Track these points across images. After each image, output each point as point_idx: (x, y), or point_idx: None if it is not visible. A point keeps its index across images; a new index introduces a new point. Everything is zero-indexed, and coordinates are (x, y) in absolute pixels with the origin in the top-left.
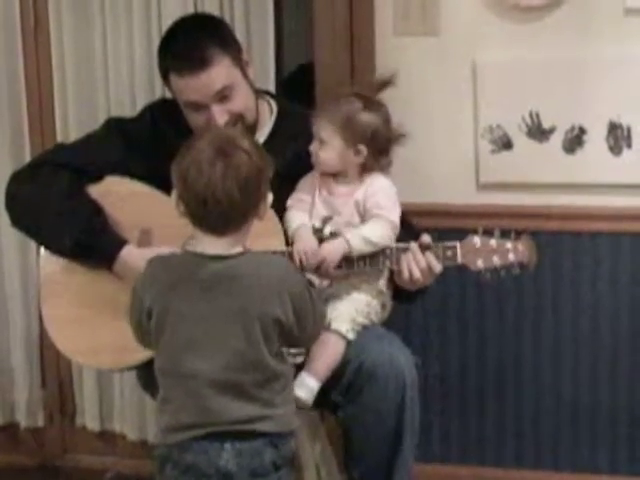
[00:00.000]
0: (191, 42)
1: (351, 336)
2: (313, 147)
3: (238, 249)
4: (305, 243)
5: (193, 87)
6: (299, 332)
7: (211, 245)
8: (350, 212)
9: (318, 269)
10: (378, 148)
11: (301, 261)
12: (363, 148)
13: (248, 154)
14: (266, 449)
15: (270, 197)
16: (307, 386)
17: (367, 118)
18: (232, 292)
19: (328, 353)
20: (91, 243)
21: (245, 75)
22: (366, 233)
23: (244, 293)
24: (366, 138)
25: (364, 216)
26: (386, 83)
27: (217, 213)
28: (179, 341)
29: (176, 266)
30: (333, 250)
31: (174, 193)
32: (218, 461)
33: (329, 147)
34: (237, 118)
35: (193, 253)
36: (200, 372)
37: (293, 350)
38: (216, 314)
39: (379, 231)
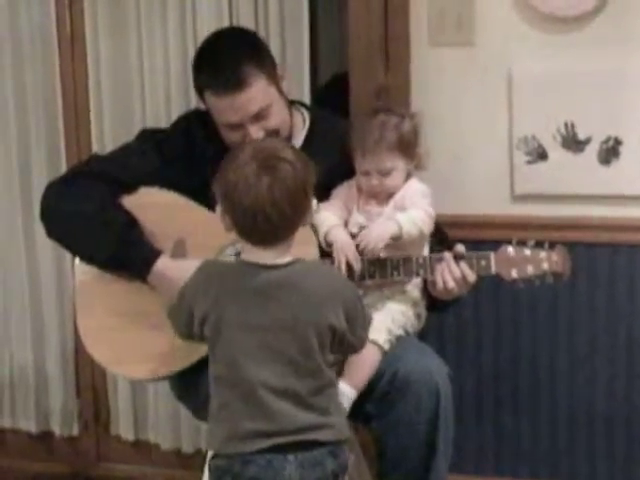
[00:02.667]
0: (227, 61)
1: (387, 347)
2: (374, 182)
3: (288, 258)
4: (345, 244)
5: (230, 108)
6: (352, 336)
7: (261, 255)
8: (389, 213)
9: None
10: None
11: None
12: (419, 150)
13: (292, 165)
14: (327, 458)
15: (315, 204)
16: (345, 395)
17: (408, 125)
18: (286, 301)
19: (365, 363)
20: (126, 255)
21: (280, 91)
22: (411, 214)
23: (298, 302)
24: (416, 142)
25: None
26: None
27: (267, 227)
28: (236, 349)
29: (230, 275)
30: (383, 230)
31: (219, 207)
32: (282, 473)
33: (395, 172)
34: (272, 133)
35: (246, 262)
36: (259, 380)
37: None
38: (271, 323)
39: (420, 216)
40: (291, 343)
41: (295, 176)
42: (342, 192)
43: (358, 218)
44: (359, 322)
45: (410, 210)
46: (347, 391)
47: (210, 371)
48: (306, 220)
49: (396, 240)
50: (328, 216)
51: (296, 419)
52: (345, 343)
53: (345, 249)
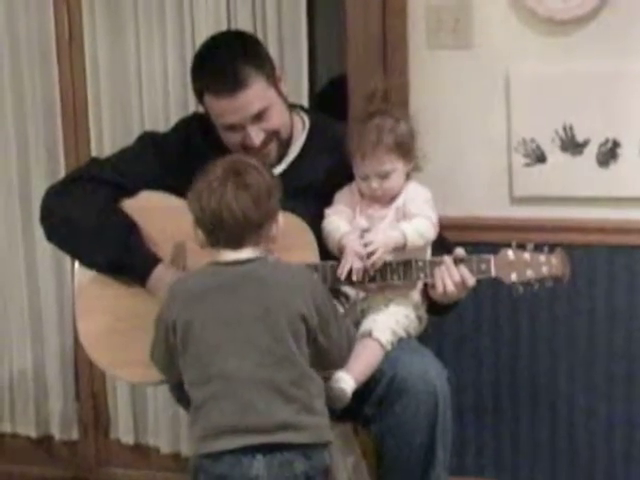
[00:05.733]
0: (226, 63)
1: (389, 348)
2: (373, 185)
3: (256, 254)
4: (354, 250)
5: (229, 110)
6: (325, 338)
7: (229, 255)
8: (390, 220)
9: (360, 282)
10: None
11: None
12: (417, 152)
13: (258, 170)
14: (298, 459)
15: (281, 217)
16: (345, 381)
17: (405, 126)
18: (254, 292)
19: (367, 358)
20: (125, 260)
21: (279, 93)
22: (416, 225)
23: (266, 293)
24: (414, 143)
25: (404, 219)
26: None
27: (234, 228)
28: (207, 346)
29: (195, 278)
30: (388, 238)
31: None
32: (249, 471)
33: (394, 174)
34: (272, 135)
35: (212, 263)
36: (233, 372)
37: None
38: (241, 315)
39: (425, 225)
40: (264, 332)
41: (261, 180)
42: (344, 196)
43: (360, 222)
44: (331, 322)
45: (415, 219)
46: (346, 378)
47: (184, 381)
48: (271, 225)
49: (399, 250)
50: (342, 224)
51: (272, 412)
52: (319, 344)
53: (353, 254)
